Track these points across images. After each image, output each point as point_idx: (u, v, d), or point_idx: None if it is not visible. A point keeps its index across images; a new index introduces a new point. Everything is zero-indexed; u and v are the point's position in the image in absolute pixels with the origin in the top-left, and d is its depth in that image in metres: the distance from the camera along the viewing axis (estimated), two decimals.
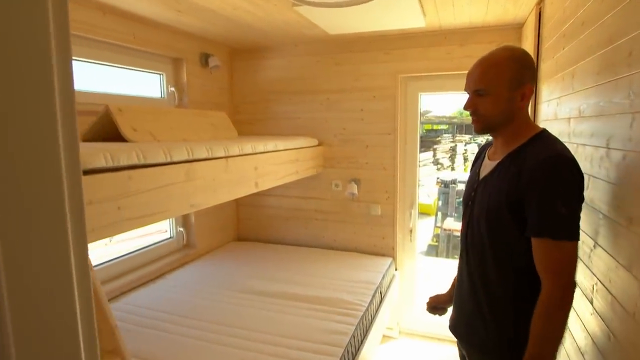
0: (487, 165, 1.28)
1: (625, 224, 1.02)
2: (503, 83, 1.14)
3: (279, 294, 2.42)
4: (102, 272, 2.40)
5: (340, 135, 3.14)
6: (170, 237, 3.00)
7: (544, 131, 1.19)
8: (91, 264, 1.28)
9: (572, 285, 1.06)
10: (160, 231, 3.31)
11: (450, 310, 1.50)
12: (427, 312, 1.61)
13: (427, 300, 1.61)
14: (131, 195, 1.46)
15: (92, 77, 2.39)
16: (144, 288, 2.51)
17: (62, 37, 0.46)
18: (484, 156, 1.35)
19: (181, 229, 3.01)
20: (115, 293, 2.39)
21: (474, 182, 1.33)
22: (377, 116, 3.03)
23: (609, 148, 1.14)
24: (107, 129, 1.87)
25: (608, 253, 1.12)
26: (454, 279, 1.56)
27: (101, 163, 1.36)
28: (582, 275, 1.33)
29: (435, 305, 1.59)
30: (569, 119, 1.54)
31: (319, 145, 3.14)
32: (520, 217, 1.11)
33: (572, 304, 1.06)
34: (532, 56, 2.13)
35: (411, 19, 2.40)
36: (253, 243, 3.44)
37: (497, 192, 1.17)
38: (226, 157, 1.94)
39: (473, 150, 20.00)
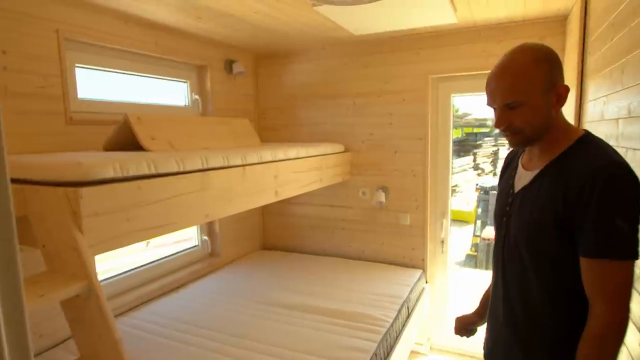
0: (524, 176, 1.12)
1: None
2: (536, 89, 0.99)
3: (301, 306, 2.33)
4: (126, 281, 2.41)
5: (368, 141, 3.02)
6: (196, 246, 2.99)
7: (588, 134, 1.03)
8: (94, 278, 1.25)
9: (628, 311, 0.92)
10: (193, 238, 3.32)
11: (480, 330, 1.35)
12: (455, 335, 1.47)
13: (454, 322, 1.48)
14: (141, 206, 1.43)
15: (119, 87, 2.42)
16: (167, 297, 2.50)
17: None
18: (516, 165, 1.19)
19: (206, 238, 2.99)
20: (138, 302, 2.39)
21: (507, 194, 1.17)
22: (406, 120, 2.89)
23: None
24: (127, 138, 1.86)
25: None
26: (483, 297, 1.42)
27: (109, 174, 1.34)
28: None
29: (464, 327, 1.45)
30: (617, 119, 1.35)
31: (345, 151, 3.03)
32: (570, 234, 0.96)
33: (626, 332, 0.92)
34: (578, 50, 1.95)
35: (441, 15, 2.26)
36: (278, 252, 3.37)
37: (540, 206, 1.02)
38: (243, 166, 1.88)
39: None
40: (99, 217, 1.29)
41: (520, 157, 1.19)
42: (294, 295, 2.48)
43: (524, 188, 1.10)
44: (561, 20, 2.41)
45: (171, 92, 2.79)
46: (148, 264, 2.59)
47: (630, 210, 0.90)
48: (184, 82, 2.78)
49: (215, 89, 2.88)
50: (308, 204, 3.29)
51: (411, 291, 2.57)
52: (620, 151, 1.16)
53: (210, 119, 2.40)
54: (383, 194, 2.92)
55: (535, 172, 1.07)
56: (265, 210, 3.45)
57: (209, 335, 2.02)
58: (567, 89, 1.00)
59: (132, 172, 1.40)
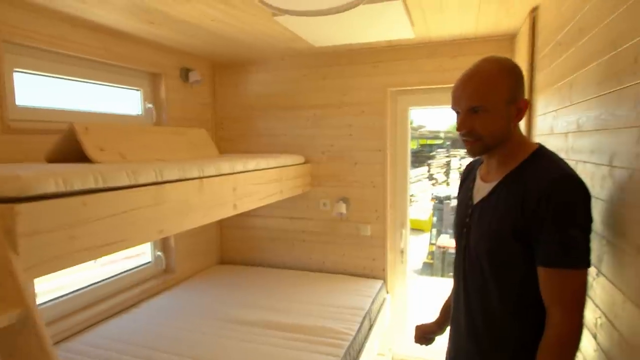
0: (482, 188, 1.15)
1: (633, 252, 0.89)
2: (500, 98, 1.02)
3: (261, 322, 2.26)
4: (72, 302, 2.23)
5: (328, 152, 3.02)
6: (149, 262, 2.83)
7: (541, 147, 1.08)
8: (32, 304, 1.13)
9: (583, 318, 0.95)
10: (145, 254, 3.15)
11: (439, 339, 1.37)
12: (415, 343, 1.49)
13: (414, 330, 1.49)
14: (87, 222, 1.32)
15: (66, 94, 2.26)
16: (118, 318, 2.34)
17: None
18: (474, 177, 1.22)
19: (159, 253, 2.84)
20: (85, 324, 2.21)
21: (467, 205, 1.19)
22: (366, 132, 2.91)
23: (612, 166, 1.01)
24: (72, 149, 1.73)
25: (613, 284, 0.99)
26: (443, 306, 1.45)
27: (51, 188, 1.22)
28: None
29: (424, 336, 1.47)
30: (567, 133, 1.42)
31: (305, 162, 3.01)
32: (528, 245, 0.99)
33: (581, 339, 0.95)
34: (527, 67, 2.05)
35: (399, 30, 2.31)
36: (237, 266, 3.27)
37: (499, 218, 1.04)
38: (200, 178, 1.79)
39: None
40: (39, 236, 1.17)
41: (478, 169, 1.22)
42: (253, 311, 2.40)
43: (483, 200, 1.12)
44: (510, 38, 2.54)
45: (123, 101, 2.64)
46: (96, 283, 2.42)
47: (583, 221, 0.95)
48: (137, 90, 2.64)
49: (171, 97, 2.77)
50: (267, 216, 3.22)
51: (373, 302, 2.57)
52: (571, 164, 1.21)
53: (165, 129, 2.29)
54: (344, 205, 2.92)
55: (493, 184, 1.10)
56: (223, 223, 3.34)
57: (163, 358, 1.90)
58: (527, 104, 1.04)
59: (77, 187, 1.29)
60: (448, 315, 1.41)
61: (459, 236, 1.21)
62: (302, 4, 1.61)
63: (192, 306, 2.49)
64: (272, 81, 3.11)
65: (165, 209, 1.60)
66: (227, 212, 1.97)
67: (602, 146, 1.07)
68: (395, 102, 2.91)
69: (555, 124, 1.59)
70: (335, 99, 2.96)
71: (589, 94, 1.19)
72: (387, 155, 2.89)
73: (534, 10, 2.03)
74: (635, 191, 0.88)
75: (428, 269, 7.32)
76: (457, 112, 1.09)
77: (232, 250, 3.38)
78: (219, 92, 3.26)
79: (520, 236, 0.99)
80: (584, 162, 1.23)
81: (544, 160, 1.03)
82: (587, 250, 0.95)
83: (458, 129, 1.08)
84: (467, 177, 1.28)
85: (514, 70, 1.05)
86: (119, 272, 2.60)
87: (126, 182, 1.45)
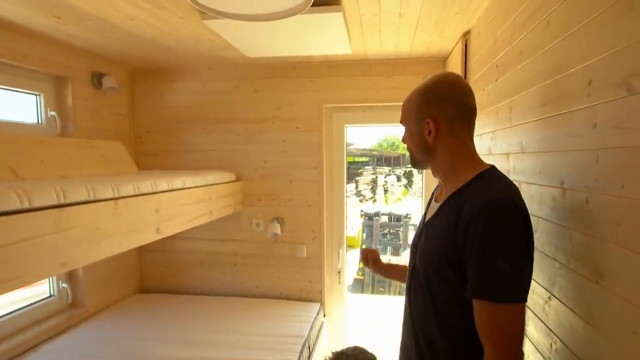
0: (432, 208, 1.11)
1: (594, 279, 0.86)
2: (410, 116, 1.08)
3: None
4: None
5: (261, 169, 2.86)
6: (51, 296, 2.41)
7: (490, 169, 1.00)
8: None
9: (516, 356, 0.87)
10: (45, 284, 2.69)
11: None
12: (360, 260, 1.52)
13: (369, 252, 1.48)
14: None
15: None
16: None
17: None
18: (432, 197, 1.18)
19: (64, 285, 2.44)
20: None
21: (420, 225, 1.16)
22: (301, 148, 2.81)
23: (563, 188, 1.00)
24: None
25: (572, 310, 0.96)
26: (393, 266, 1.47)
27: None
28: (535, 331, 1.17)
29: (372, 260, 1.47)
30: (508, 154, 1.42)
31: (237, 180, 2.82)
32: (462, 271, 0.92)
33: None
34: None
35: (337, 44, 2.25)
36: (159, 295, 2.93)
37: (437, 240, 0.99)
38: (115, 199, 1.54)
39: (392, 182, 20.92)
40: None
41: (437, 190, 1.18)
42: (179, 347, 2.13)
43: (430, 220, 1.09)
44: (443, 59, 2.62)
45: (18, 106, 2.25)
46: None
47: (514, 250, 0.86)
48: (36, 94, 2.27)
49: (79, 105, 2.42)
50: (195, 238, 2.95)
51: (311, 328, 2.42)
52: None
53: (71, 141, 1.98)
54: (278, 225, 2.77)
55: (439, 204, 1.05)
56: (143, 247, 3.00)
57: None
58: (435, 122, 1.00)
59: None
60: (391, 272, 1.45)
61: (411, 257, 1.16)
62: (238, 7, 1.47)
63: (105, 346, 2.14)
64: (201, 92, 2.89)
65: (69, 238, 1.33)
66: (149, 237, 1.72)
67: (551, 168, 1.07)
68: (331, 119, 2.85)
69: (493, 144, 1.61)
70: (269, 113, 2.83)
71: (532, 116, 1.20)
72: (324, 173, 2.81)
73: (466, 33, 2.09)
74: (594, 216, 0.85)
75: (358, 285, 7.38)
76: None
77: (154, 277, 3.04)
78: (138, 101, 2.95)
79: (453, 261, 0.93)
80: (529, 183, 1.23)
81: (486, 182, 0.96)
82: (518, 284, 0.86)
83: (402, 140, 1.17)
84: (431, 199, 1.23)
85: (426, 90, 1.04)
86: (9, 312, 2.16)
87: (17, 206, 1.18)
